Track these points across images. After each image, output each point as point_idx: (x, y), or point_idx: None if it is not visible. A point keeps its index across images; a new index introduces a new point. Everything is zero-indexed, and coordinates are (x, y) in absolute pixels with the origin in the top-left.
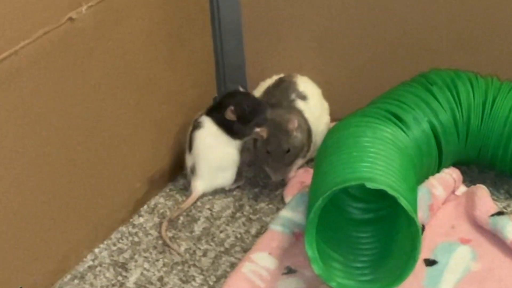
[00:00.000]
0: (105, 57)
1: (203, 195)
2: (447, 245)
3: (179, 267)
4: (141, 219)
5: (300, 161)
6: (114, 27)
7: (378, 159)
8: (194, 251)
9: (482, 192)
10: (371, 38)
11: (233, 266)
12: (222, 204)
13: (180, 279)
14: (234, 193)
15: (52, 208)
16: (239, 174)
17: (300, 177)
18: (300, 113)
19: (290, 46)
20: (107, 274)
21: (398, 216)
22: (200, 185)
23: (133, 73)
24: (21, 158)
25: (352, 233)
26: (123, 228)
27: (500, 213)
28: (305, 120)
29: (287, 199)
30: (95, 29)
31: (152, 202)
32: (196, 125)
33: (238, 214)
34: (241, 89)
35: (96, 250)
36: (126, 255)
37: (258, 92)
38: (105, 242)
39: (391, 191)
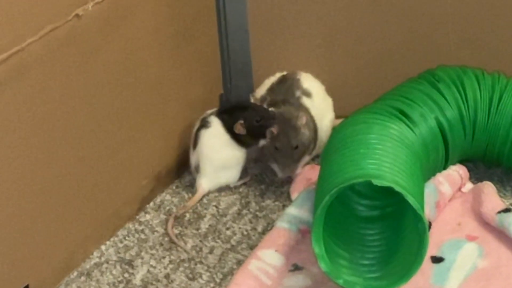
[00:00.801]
0: (111, 54)
1: (209, 192)
2: (454, 242)
3: (186, 264)
4: (148, 216)
5: (306, 158)
6: (120, 24)
7: (385, 156)
8: (201, 248)
9: (489, 189)
10: (377, 35)
11: (239, 263)
12: (228, 201)
13: (187, 276)
14: (240, 190)
15: (58, 206)
16: (245, 171)
17: (306, 174)
18: (307, 111)
19: (296, 43)
20: (114, 271)
21: (405, 213)
22: (205, 184)
23: (140, 70)
24: (27, 155)
25: (359, 230)
26: (130, 225)
27: (507, 210)
28: (311, 117)
29: (294, 196)
30: (102, 26)
31: (158, 199)
32: (204, 124)
33: (244, 211)
34: (252, 100)
35: (103, 247)
36: (133, 252)
37: (261, 89)
38: (112, 239)
39: (398, 188)
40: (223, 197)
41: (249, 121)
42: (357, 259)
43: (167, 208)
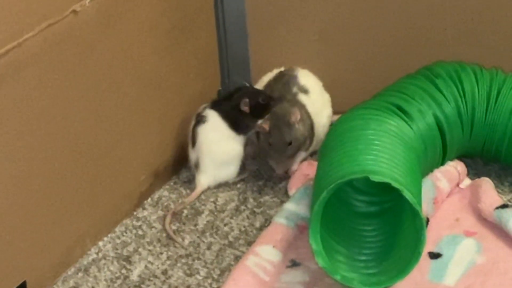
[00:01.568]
0: (108, 49)
1: (208, 188)
2: (452, 238)
3: (183, 260)
4: (145, 212)
5: (302, 154)
6: (117, 19)
7: (383, 151)
8: (198, 244)
9: (486, 185)
10: (375, 30)
11: (237, 259)
12: (226, 197)
13: (184, 272)
14: (238, 186)
15: (56, 201)
16: (243, 167)
17: (304, 170)
18: (303, 107)
19: (294, 39)
20: (111, 267)
21: (402, 209)
22: (204, 180)
23: (137, 66)
24: (25, 151)
25: (357, 226)
26: (127, 221)
27: (504, 206)
28: (307, 114)
29: (291, 192)
30: (99, 21)
31: (156, 195)
32: (200, 119)
33: (242, 207)
34: (247, 85)
35: (100, 243)
36: (130, 248)
37: (259, 86)
38: (109, 235)
39: (395, 184)
40: (221, 193)
41: (254, 100)
42: (355, 255)
43: (165, 204)
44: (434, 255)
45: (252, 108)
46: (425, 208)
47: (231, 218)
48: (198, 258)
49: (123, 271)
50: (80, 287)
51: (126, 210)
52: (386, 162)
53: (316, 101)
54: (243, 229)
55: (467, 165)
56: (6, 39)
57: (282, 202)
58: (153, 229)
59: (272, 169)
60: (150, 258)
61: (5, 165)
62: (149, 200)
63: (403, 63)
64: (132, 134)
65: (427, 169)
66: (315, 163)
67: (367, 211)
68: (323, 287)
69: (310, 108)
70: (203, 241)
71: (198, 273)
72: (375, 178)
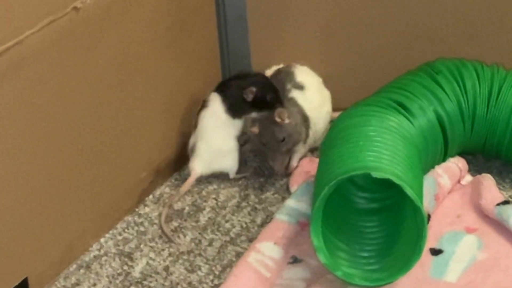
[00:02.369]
0: (110, 46)
1: (208, 185)
2: (453, 234)
3: (185, 257)
4: (147, 209)
5: (301, 149)
6: (119, 17)
7: (384, 148)
8: (200, 241)
9: (488, 181)
10: (376, 27)
11: (238, 255)
12: (227, 193)
13: (186, 269)
14: (240, 182)
15: (57, 198)
16: (245, 164)
17: (305, 166)
18: (295, 104)
19: (295, 35)
20: (113, 264)
21: (404, 206)
22: (198, 166)
23: (138, 63)
24: (26, 148)
25: (358, 223)
26: (129, 218)
27: (506, 202)
28: (300, 110)
29: (293, 188)
30: (100, 19)
31: (158, 192)
32: (203, 104)
33: (243, 204)
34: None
35: (102, 239)
36: (132, 244)
37: None
38: (111, 232)
39: (396, 180)
40: (222, 190)
41: (262, 93)
42: (356, 251)
43: (166, 201)
44: (436, 252)
45: (255, 100)
46: (427, 205)
47: (233, 214)
48: (200, 255)
49: (125, 267)
50: (82, 283)
51: (128, 207)
52: (387, 159)
53: (313, 98)
54: (244, 225)
55: (468, 162)
56: (7, 36)
57: (284, 198)
58: (154, 225)
59: (272, 168)
60: (152, 255)
61: (6, 162)
62: (150, 197)
63: (404, 60)
64: (133, 131)
65: (428, 166)
66: (316, 160)
67: (369, 208)
68: (324, 283)
69: (305, 104)
70: (205, 238)
71: (200, 269)
72: (376, 174)
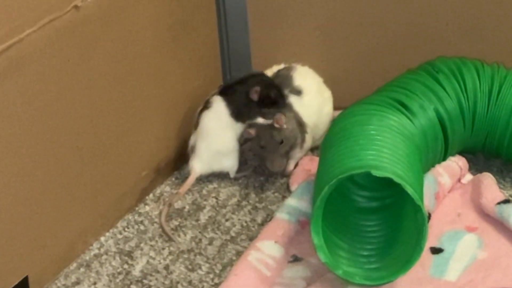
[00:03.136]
0: (110, 45)
1: (204, 179)
2: (454, 233)
3: (185, 256)
4: (147, 208)
5: (298, 154)
6: (119, 15)
7: (384, 147)
8: (200, 240)
9: (488, 180)
10: (376, 26)
11: (239, 254)
12: (228, 192)
13: (186, 268)
14: (240, 181)
15: (58, 197)
16: (245, 163)
17: (305, 165)
18: (291, 110)
19: (295, 34)
20: (113, 263)
21: (404, 204)
22: (197, 166)
23: (139, 61)
24: (26, 147)
25: (358, 221)
26: (129, 217)
27: (506, 201)
28: (295, 114)
29: (293, 187)
30: (100, 17)
31: (158, 191)
32: (206, 105)
33: (244, 203)
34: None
35: (102, 238)
36: (132, 243)
37: None
38: (111, 231)
39: (397, 179)
40: (222, 189)
41: (266, 91)
42: (357, 250)
43: (167, 199)
44: (436, 250)
45: (261, 99)
46: (427, 203)
47: (233, 213)
48: (200, 254)
49: (125, 266)
50: (82, 282)
51: (128, 206)
52: (387, 157)
53: (312, 102)
54: (244, 224)
55: (468, 161)
56: (8, 34)
57: (284, 197)
58: (155, 224)
59: (269, 170)
60: (152, 254)
61: (7, 160)
62: (150, 195)
63: (405, 59)
64: (134, 130)
65: (428, 165)
66: (317, 159)
67: (369, 206)
68: (325, 282)
69: (302, 109)
70: (205, 237)
71: (200, 268)
72: (377, 173)
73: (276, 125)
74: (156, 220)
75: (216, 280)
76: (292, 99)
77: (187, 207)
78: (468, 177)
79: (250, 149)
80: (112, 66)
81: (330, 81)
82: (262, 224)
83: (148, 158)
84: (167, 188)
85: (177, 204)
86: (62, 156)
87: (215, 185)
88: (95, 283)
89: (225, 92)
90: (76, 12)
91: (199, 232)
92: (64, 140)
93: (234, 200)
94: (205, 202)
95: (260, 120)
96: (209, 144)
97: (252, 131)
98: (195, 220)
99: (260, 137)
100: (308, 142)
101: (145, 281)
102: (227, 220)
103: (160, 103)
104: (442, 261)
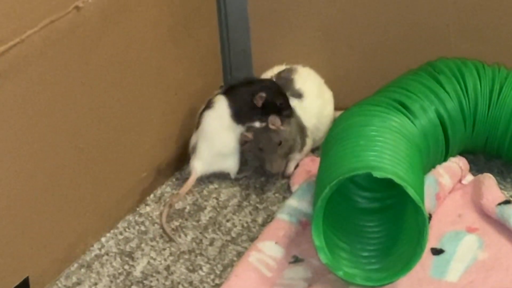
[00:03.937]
0: (111, 46)
1: (209, 184)
2: (454, 234)
3: (186, 256)
4: (148, 208)
5: (298, 156)
6: (120, 16)
7: (385, 148)
8: (201, 240)
9: (489, 181)
10: (378, 27)
11: (240, 255)
12: (228, 193)
13: (187, 268)
14: (241, 182)
15: (59, 197)
16: (246, 164)
17: (306, 166)
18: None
19: (296, 35)
20: (114, 263)
21: (405, 205)
22: (198, 166)
23: (139, 62)
24: (27, 147)
25: (359, 222)
26: (130, 217)
27: (507, 202)
28: (295, 117)
29: (294, 188)
30: (101, 18)
31: (159, 191)
32: (208, 105)
33: (244, 203)
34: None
35: (103, 239)
36: (133, 244)
37: None
38: (112, 231)
39: (398, 180)
40: (223, 189)
41: (271, 99)
42: (357, 251)
43: (167, 200)
44: (437, 251)
45: (264, 105)
46: (428, 204)
47: (234, 214)
48: (201, 254)
49: (126, 267)
50: (83, 283)
51: (129, 206)
52: (388, 158)
53: (312, 105)
54: (245, 225)
55: (469, 161)
56: (9, 35)
57: (285, 198)
58: (155, 225)
59: (269, 172)
60: (153, 254)
61: (8, 161)
62: (151, 196)
63: (405, 59)
64: (134, 130)
65: (429, 165)
66: (318, 159)
67: (370, 207)
68: (325, 283)
69: (303, 113)
70: (206, 237)
71: (201, 269)
72: (378, 174)
73: (272, 127)
74: (157, 220)
75: (217, 281)
76: (293, 103)
77: (187, 207)
78: (469, 177)
79: (250, 150)
80: (113, 67)
81: (331, 82)
82: (263, 224)
83: (148, 159)
84: (168, 189)
85: (178, 205)
86: (63, 157)
87: (216, 185)
88: (95, 284)
89: (229, 92)
90: (77, 13)
91: (200, 232)
92: (65, 141)
93: (235, 200)
94: (206, 203)
95: (257, 124)
96: (210, 145)
97: (250, 135)
98: (196, 221)
99: (258, 139)
100: (309, 145)
101: (146, 282)
102: (228, 220)
103: (161, 104)
104: (442, 262)
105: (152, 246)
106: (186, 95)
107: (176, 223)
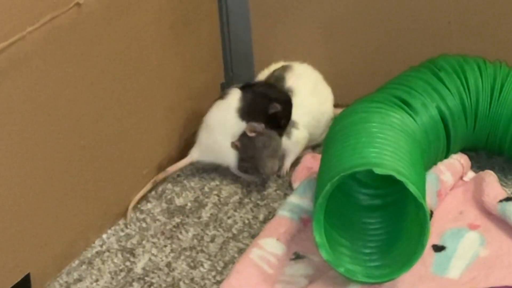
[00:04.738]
0: (112, 43)
1: (211, 181)
2: (456, 231)
3: (187, 253)
4: (149, 205)
5: (292, 151)
6: (121, 12)
7: (386, 144)
8: (202, 237)
9: (490, 177)
10: (379, 23)
11: (241, 252)
12: (229, 190)
13: (188, 265)
14: (242, 179)
15: (60, 194)
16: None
17: (307, 163)
18: None
19: (297, 32)
20: (115, 260)
21: (406, 202)
22: (194, 152)
23: (140, 59)
24: (28, 144)
25: (360, 219)
26: (131, 214)
27: (508, 199)
28: None
29: (295, 185)
30: (102, 14)
31: (160, 188)
32: (222, 95)
33: (245, 200)
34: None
35: (104, 235)
36: (134, 240)
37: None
38: (113, 228)
39: (399, 177)
40: (224, 186)
41: (283, 114)
42: (359, 248)
43: (169, 197)
44: (438, 248)
45: (273, 116)
46: (429, 201)
47: (235, 211)
48: (202, 251)
49: (127, 263)
50: (84, 279)
51: (130, 203)
52: (389, 155)
53: (303, 103)
54: (246, 222)
55: (470, 158)
56: (10, 32)
57: (286, 195)
58: (157, 222)
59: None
60: (154, 251)
61: (9, 158)
62: (153, 193)
63: (407, 56)
64: (136, 127)
65: (430, 162)
66: (319, 156)
67: (371, 204)
68: (326, 280)
69: (293, 110)
70: (207, 234)
71: (202, 265)
72: (379, 170)
73: (251, 135)
74: (158, 217)
75: (218, 278)
76: None
77: (189, 204)
78: (470, 174)
79: (243, 159)
80: (114, 64)
81: (332, 79)
82: (264, 221)
83: (150, 156)
84: (169, 186)
85: (179, 202)
86: (64, 154)
87: (217, 182)
88: (97, 280)
89: (247, 88)
90: (78, 9)
91: (201, 229)
92: (66, 138)
93: (236, 197)
94: (207, 200)
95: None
96: (210, 133)
97: (237, 143)
98: (197, 218)
99: (246, 147)
100: (299, 137)
101: (147, 279)
102: (229, 217)
103: (162, 101)
104: (444, 258)
105: (153, 242)
106: (187, 91)
107: (177, 220)
